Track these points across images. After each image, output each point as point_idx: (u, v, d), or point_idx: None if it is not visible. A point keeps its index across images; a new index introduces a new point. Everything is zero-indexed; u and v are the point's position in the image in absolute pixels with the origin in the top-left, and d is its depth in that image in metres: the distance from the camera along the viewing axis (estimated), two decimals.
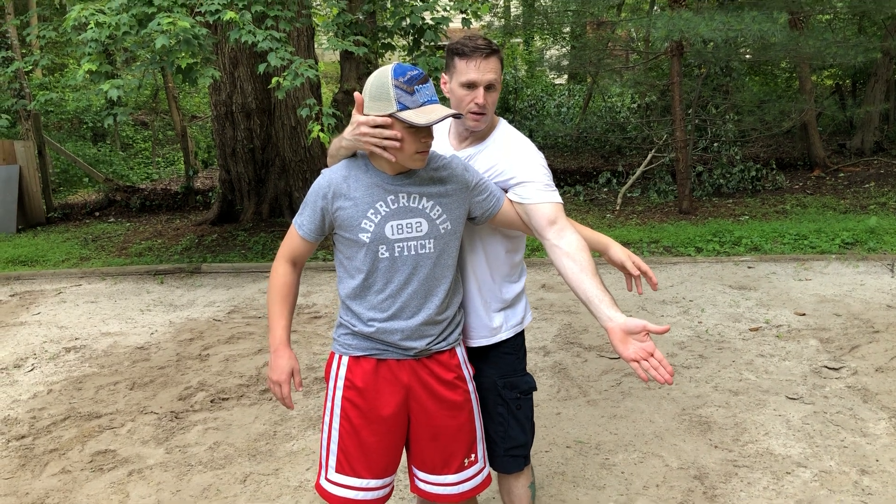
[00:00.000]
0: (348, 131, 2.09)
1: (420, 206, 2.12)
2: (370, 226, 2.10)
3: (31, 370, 5.29)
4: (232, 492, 3.52)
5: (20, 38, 11.09)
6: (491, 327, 2.43)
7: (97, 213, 11.73)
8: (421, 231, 2.12)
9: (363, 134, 2.02)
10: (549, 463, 3.64)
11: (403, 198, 2.11)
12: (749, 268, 7.13)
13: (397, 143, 1.99)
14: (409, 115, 1.96)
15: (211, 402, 4.61)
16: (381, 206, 2.10)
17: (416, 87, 1.99)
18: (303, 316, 6.26)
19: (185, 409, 4.52)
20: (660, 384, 4.45)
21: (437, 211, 2.14)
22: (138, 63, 6.54)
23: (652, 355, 1.94)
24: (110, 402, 4.67)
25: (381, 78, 2.00)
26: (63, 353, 5.61)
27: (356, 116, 2.06)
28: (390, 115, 1.99)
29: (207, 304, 6.78)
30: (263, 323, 6.12)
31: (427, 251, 2.14)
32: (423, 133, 2.02)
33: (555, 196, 2.25)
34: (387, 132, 1.99)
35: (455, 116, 2.00)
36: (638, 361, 1.94)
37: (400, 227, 2.11)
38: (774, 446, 3.70)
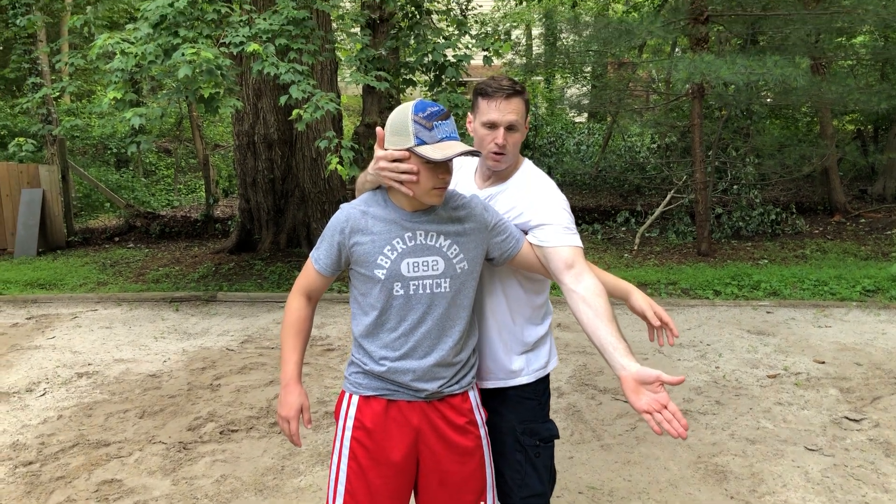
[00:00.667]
0: (371, 166, 2.10)
1: (437, 245, 2.10)
2: (386, 262, 2.08)
3: (43, 395, 5.28)
4: None
5: (50, 64, 11.30)
6: (510, 370, 2.37)
7: (117, 239, 11.82)
8: (437, 270, 2.10)
9: (381, 168, 2.03)
10: None
11: (421, 235, 2.09)
12: (768, 313, 7.04)
13: (414, 178, 1.99)
14: (425, 150, 1.96)
15: (220, 433, 4.57)
16: (397, 242, 2.08)
17: (435, 122, 1.99)
18: (315, 348, 6.23)
19: (193, 439, 4.48)
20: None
21: (455, 250, 2.12)
22: (164, 91, 6.61)
23: (665, 407, 1.88)
24: (119, 430, 4.64)
25: (402, 113, 2.01)
26: (75, 378, 5.60)
27: (377, 151, 2.07)
28: (407, 150, 1.99)
29: (221, 332, 6.77)
30: (276, 354, 6.09)
31: (443, 290, 2.11)
32: (441, 169, 2.01)
33: (574, 239, 2.21)
34: (403, 166, 1.99)
35: (473, 154, 1.99)
36: (651, 413, 1.89)
37: (416, 264, 2.09)
38: (793, 499, 3.60)
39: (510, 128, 2.21)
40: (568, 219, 2.27)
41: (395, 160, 2.00)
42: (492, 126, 2.21)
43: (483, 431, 2.27)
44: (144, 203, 14.11)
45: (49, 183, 11.14)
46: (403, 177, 2.00)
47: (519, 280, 2.36)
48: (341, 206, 2.17)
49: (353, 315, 2.23)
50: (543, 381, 2.45)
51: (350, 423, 2.18)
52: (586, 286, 2.14)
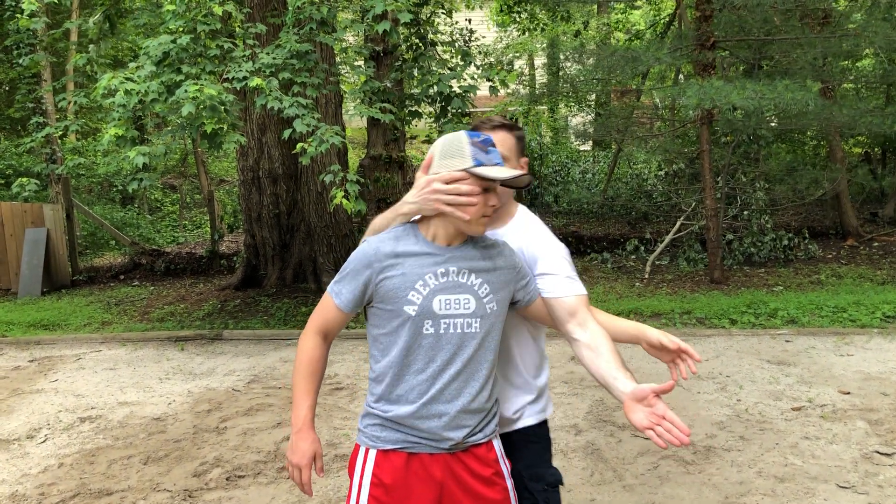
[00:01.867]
0: (413, 194, 1.99)
1: (468, 283, 1.99)
2: (418, 298, 1.95)
3: (44, 441, 5.12)
4: None
5: (55, 103, 11.29)
6: (513, 413, 2.28)
7: (122, 276, 11.71)
8: (469, 308, 1.99)
9: (435, 191, 1.93)
10: None
11: (453, 272, 1.99)
12: (787, 341, 6.86)
13: (473, 200, 1.91)
14: (485, 171, 1.89)
15: (226, 479, 4.41)
16: (430, 278, 1.97)
17: (489, 147, 1.96)
18: (324, 387, 6.07)
19: (199, 486, 4.32)
20: (687, 466, 4.19)
21: (485, 289, 2.01)
22: (167, 129, 6.54)
23: (664, 417, 1.81)
24: (122, 477, 4.48)
25: (455, 137, 1.97)
26: (78, 423, 5.45)
27: (424, 177, 1.98)
28: (465, 171, 1.92)
29: (227, 372, 6.62)
30: (283, 394, 5.94)
31: (473, 331, 2.00)
32: (492, 196, 1.95)
33: (578, 288, 2.15)
34: (463, 187, 1.90)
35: (525, 184, 1.96)
36: (652, 429, 1.81)
37: (448, 302, 1.97)
38: None
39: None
40: (570, 267, 2.21)
41: (451, 181, 1.92)
42: None
43: (510, 483, 2.12)
44: (150, 240, 14.03)
45: (53, 222, 11.07)
46: (462, 199, 1.91)
47: (527, 327, 2.30)
48: (367, 239, 2.05)
49: (373, 356, 2.09)
50: (544, 425, 2.36)
51: (367, 479, 2.03)
52: (590, 334, 2.09)
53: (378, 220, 2.10)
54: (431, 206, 1.94)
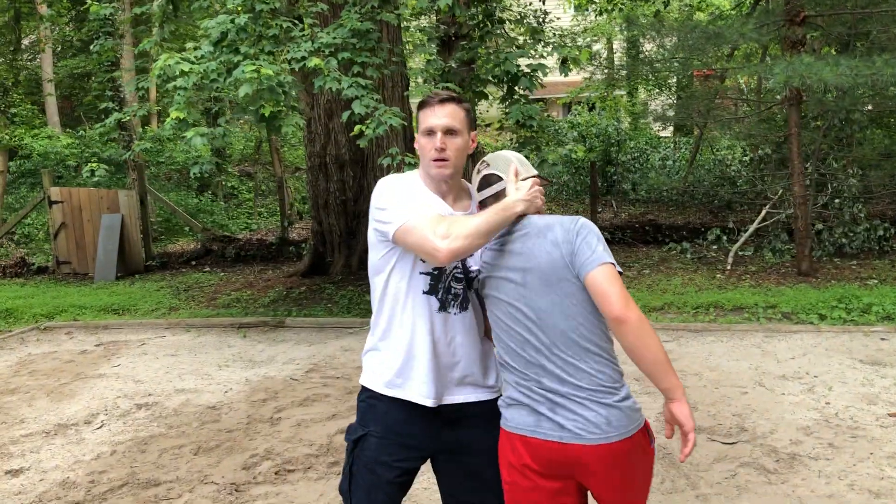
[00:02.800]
0: (518, 196, 2.21)
1: None
2: None
3: (100, 427, 5.08)
4: None
5: (131, 90, 11.45)
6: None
7: (193, 263, 11.82)
8: None
9: (538, 193, 2.27)
10: None
11: None
12: (882, 339, 6.31)
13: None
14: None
15: (276, 473, 4.24)
16: None
17: None
18: None
19: (247, 480, 4.17)
20: (769, 475, 3.80)
21: None
22: (229, 114, 6.43)
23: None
24: (172, 467, 4.37)
25: (516, 153, 2.39)
26: (134, 409, 5.40)
27: (521, 183, 2.26)
28: (537, 176, 2.34)
29: (287, 361, 6.49)
30: (341, 384, 5.76)
31: None
32: None
33: None
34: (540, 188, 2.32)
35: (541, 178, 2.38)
36: None
37: None
38: None
39: (449, 132, 2.27)
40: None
41: (538, 184, 2.30)
42: (430, 133, 2.28)
43: None
44: (223, 227, 14.14)
45: (128, 208, 11.23)
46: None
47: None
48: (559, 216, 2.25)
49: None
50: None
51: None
52: None
53: (493, 219, 2.18)
54: (538, 204, 2.25)
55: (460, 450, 2.42)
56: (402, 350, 2.35)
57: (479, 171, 2.35)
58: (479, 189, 2.34)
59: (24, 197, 14.90)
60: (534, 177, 2.30)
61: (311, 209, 10.37)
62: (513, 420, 2.21)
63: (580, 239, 2.12)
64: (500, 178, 2.28)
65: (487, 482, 2.41)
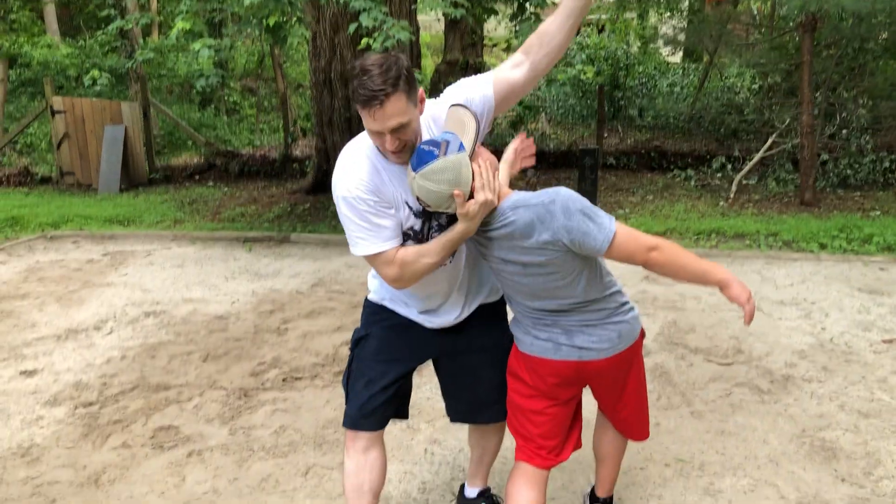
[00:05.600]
0: (466, 224, 2.17)
1: None
2: None
3: (110, 333, 5.19)
4: (291, 485, 3.25)
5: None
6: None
7: (197, 177, 11.80)
8: None
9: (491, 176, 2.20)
10: (645, 483, 3.20)
11: None
12: (881, 269, 6.38)
13: None
14: None
15: (283, 380, 4.36)
16: None
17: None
18: None
19: (255, 386, 4.29)
20: (762, 395, 3.91)
21: None
22: (231, 26, 6.32)
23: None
24: (181, 373, 4.49)
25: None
26: (142, 317, 5.50)
27: (469, 205, 2.13)
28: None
29: (292, 275, 6.58)
30: (346, 299, 5.85)
31: None
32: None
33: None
34: None
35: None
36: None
37: None
38: None
39: (398, 129, 2.06)
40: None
41: None
42: (377, 134, 2.09)
43: None
44: (226, 142, 14.04)
45: (131, 120, 11.14)
46: None
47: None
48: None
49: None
50: None
51: None
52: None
53: (445, 251, 2.22)
54: (491, 201, 2.19)
55: (460, 351, 2.53)
56: (401, 295, 2.48)
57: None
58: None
59: (25, 106, 14.73)
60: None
61: (314, 126, 10.29)
62: (532, 345, 2.33)
63: (574, 234, 2.10)
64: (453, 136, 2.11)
65: (487, 380, 2.54)
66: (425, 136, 2.23)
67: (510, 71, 2.24)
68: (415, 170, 2.07)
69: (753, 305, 2.17)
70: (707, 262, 2.19)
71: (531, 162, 2.66)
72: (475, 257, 2.43)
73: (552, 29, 2.18)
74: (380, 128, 2.06)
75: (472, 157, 2.12)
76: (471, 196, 2.10)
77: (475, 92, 2.25)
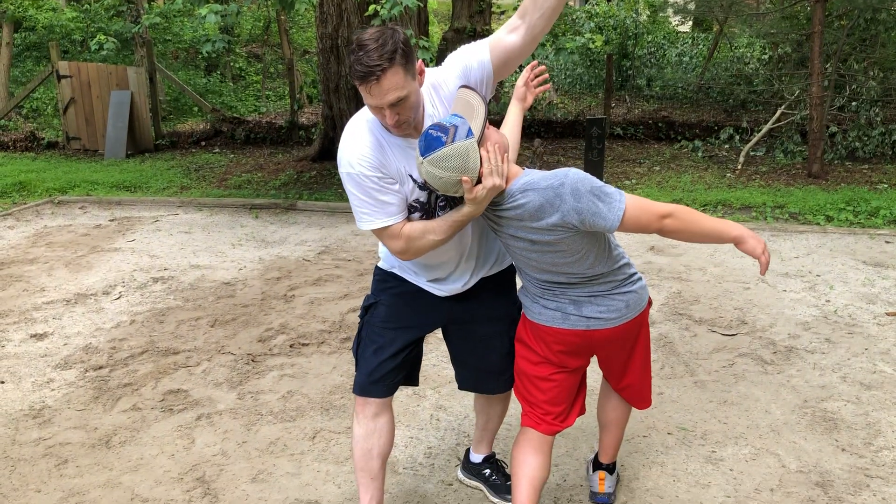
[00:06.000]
0: (473, 207, 2.20)
1: None
2: None
3: (118, 298, 5.23)
4: (299, 448, 3.30)
5: None
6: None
7: (203, 143, 11.80)
8: None
9: (500, 159, 2.19)
10: (647, 450, 3.24)
11: None
12: (887, 242, 6.38)
13: None
14: None
15: (290, 346, 4.41)
16: None
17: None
18: None
19: (263, 351, 4.33)
20: (765, 366, 3.95)
21: None
22: None
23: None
24: (190, 338, 4.54)
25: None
26: (151, 282, 5.54)
27: (477, 189, 2.14)
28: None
29: (299, 242, 6.60)
30: (352, 266, 5.88)
31: None
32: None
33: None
34: None
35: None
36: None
37: None
38: None
39: (396, 103, 2.05)
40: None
41: None
42: (377, 109, 2.09)
43: None
44: (232, 108, 14.03)
45: (137, 85, 11.11)
46: None
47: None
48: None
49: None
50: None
51: None
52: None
53: (451, 230, 2.26)
54: (499, 184, 2.21)
55: (469, 319, 2.56)
56: (410, 264, 2.50)
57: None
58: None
59: (31, 71, 14.71)
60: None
61: (321, 93, 10.25)
62: (540, 314, 2.36)
63: (585, 216, 2.10)
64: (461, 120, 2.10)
65: (496, 349, 2.57)
66: (427, 105, 2.23)
67: (507, 35, 2.22)
68: (423, 155, 2.07)
69: (768, 256, 2.20)
70: (720, 220, 2.20)
71: (545, 88, 2.69)
72: (483, 227, 2.44)
73: None
74: (378, 103, 2.05)
75: (481, 141, 2.10)
76: (479, 181, 2.11)
77: (473, 58, 2.24)
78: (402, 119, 2.10)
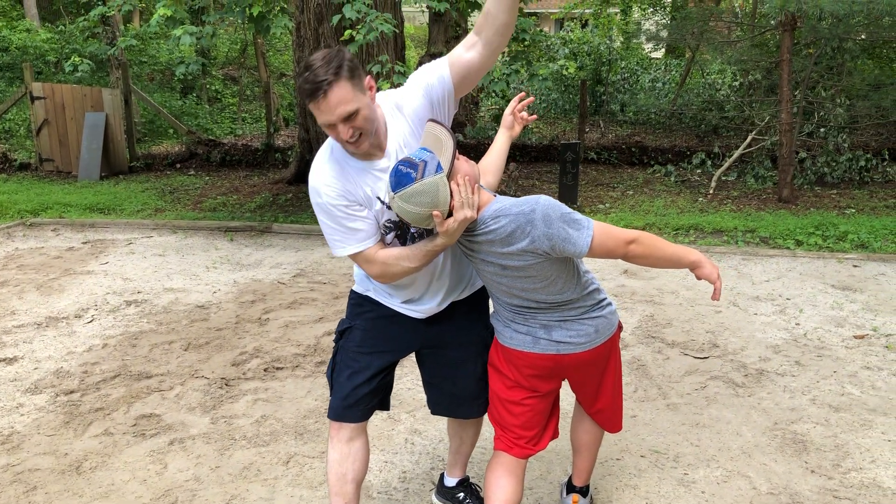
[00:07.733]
0: (444, 239, 2.24)
1: None
2: None
3: (91, 321, 5.19)
4: (273, 473, 3.28)
5: None
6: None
7: (178, 165, 11.75)
8: None
9: (470, 190, 2.24)
10: (620, 473, 3.26)
11: None
12: (855, 266, 6.50)
13: None
14: None
15: (264, 370, 4.39)
16: None
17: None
18: None
19: (236, 375, 4.31)
20: (737, 388, 4.00)
21: None
22: (213, 13, 6.30)
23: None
24: (163, 361, 4.50)
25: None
26: (124, 306, 5.50)
27: (448, 222, 2.19)
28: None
29: (274, 265, 6.59)
30: (328, 289, 5.88)
31: None
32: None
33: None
34: None
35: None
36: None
37: None
38: (883, 478, 3.22)
39: (348, 118, 2.11)
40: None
41: None
42: (331, 127, 2.14)
43: None
44: (208, 130, 14.00)
45: (112, 107, 11.06)
46: None
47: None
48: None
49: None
50: None
51: None
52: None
53: (423, 260, 2.31)
54: (470, 215, 2.25)
55: (442, 344, 2.58)
56: (384, 286, 2.53)
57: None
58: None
59: (3, 91, 14.59)
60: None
61: (297, 116, 10.28)
62: (512, 339, 2.40)
63: (555, 241, 2.16)
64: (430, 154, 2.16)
65: (468, 374, 2.59)
66: (390, 122, 2.29)
67: (465, 52, 2.28)
68: (394, 190, 2.11)
69: (721, 282, 2.29)
70: (680, 246, 2.29)
71: (531, 119, 2.77)
72: (454, 248, 2.47)
73: (493, 9, 2.19)
74: (328, 119, 2.10)
75: (451, 174, 2.14)
76: (451, 213, 2.15)
77: (433, 75, 2.30)
78: (358, 132, 2.14)
